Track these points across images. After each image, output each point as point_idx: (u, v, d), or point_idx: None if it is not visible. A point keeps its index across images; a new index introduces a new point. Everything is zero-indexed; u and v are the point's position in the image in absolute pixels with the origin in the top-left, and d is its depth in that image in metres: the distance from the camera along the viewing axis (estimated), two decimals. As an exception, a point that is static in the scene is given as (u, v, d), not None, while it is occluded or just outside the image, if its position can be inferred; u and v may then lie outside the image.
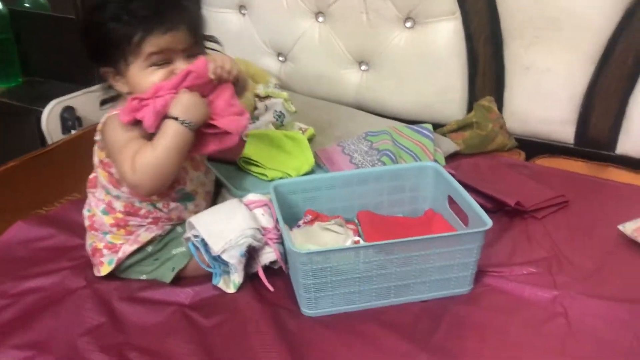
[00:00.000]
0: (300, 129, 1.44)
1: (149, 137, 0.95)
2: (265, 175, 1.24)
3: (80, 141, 1.66)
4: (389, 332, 0.96)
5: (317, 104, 1.63)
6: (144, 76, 0.95)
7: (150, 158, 0.92)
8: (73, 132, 1.72)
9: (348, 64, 1.74)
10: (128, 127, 0.95)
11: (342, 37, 1.72)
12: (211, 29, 1.84)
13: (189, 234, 0.99)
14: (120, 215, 1.02)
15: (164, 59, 0.95)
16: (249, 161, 1.28)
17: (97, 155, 1.02)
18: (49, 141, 1.71)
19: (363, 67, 1.74)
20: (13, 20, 1.88)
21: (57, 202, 1.32)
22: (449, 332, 0.97)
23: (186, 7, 0.98)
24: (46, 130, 1.70)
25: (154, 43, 0.94)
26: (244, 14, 1.84)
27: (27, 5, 1.94)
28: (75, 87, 1.83)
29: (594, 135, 1.56)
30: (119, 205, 1.02)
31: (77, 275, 1.08)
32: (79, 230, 1.19)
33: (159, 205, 1.03)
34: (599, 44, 1.45)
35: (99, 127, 0.99)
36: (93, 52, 0.99)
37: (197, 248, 0.99)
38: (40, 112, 1.73)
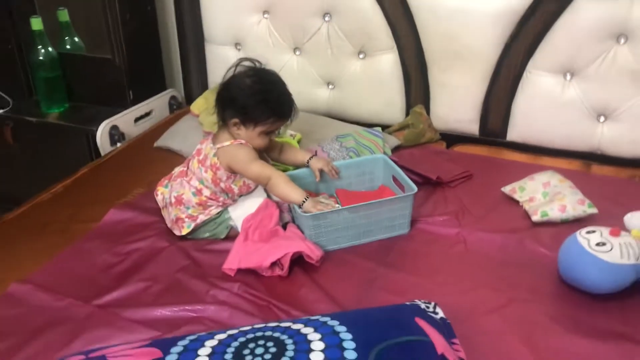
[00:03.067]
0: (291, 134, 1.92)
1: (261, 156, 1.54)
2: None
3: (129, 150, 2.09)
4: (360, 258, 1.46)
5: (301, 116, 1.89)
6: (257, 137, 1.51)
7: (276, 190, 1.50)
8: (119, 144, 2.14)
9: (319, 85, 2.18)
10: (251, 152, 1.51)
11: (314, 66, 2.15)
12: (213, 62, 2.35)
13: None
14: (204, 199, 1.54)
15: (272, 132, 1.52)
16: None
17: (210, 160, 1.50)
18: (102, 153, 2.11)
19: (330, 87, 2.18)
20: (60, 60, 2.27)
21: (129, 195, 1.77)
22: (396, 256, 1.47)
23: None
24: (100, 144, 2.12)
25: (276, 126, 1.52)
26: (239, 49, 2.27)
27: (68, 47, 2.33)
28: (110, 109, 2.23)
29: (491, 128, 2.03)
30: (207, 192, 1.54)
31: (161, 239, 1.55)
32: (152, 212, 1.66)
33: (230, 195, 1.56)
34: (489, 67, 1.93)
35: (219, 146, 1.50)
36: (236, 111, 1.48)
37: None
38: (90, 131, 2.14)
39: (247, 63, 1.55)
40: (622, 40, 1.79)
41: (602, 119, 1.90)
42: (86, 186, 1.87)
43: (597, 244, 1.31)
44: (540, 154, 1.98)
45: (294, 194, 1.50)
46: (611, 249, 1.30)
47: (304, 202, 1.48)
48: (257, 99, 1.48)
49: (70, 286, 1.40)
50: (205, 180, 1.54)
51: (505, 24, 1.88)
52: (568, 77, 1.89)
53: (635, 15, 1.73)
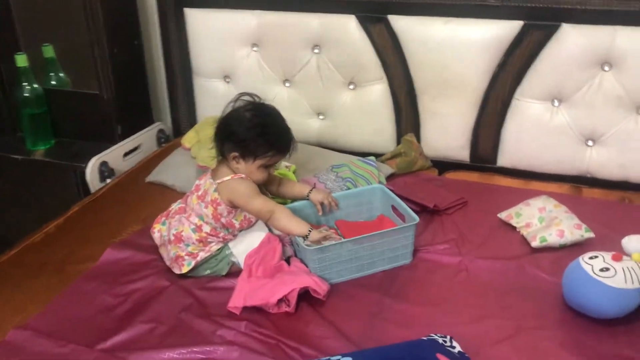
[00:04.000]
0: (286, 166, 1.91)
1: (260, 189, 1.52)
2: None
3: (120, 186, 2.05)
4: (365, 290, 1.46)
5: (293, 147, 2.10)
6: (257, 171, 1.51)
7: (278, 224, 1.50)
8: (108, 180, 2.11)
9: (310, 115, 2.20)
10: (252, 186, 1.50)
11: (305, 97, 2.17)
12: (201, 95, 2.35)
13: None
14: (204, 235, 1.53)
15: (271, 165, 1.53)
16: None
17: (210, 195, 1.50)
18: (92, 189, 2.08)
19: (321, 117, 2.21)
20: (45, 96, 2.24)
21: (124, 233, 1.75)
22: (400, 286, 1.49)
23: None
24: (90, 180, 2.09)
25: (275, 159, 1.53)
26: (228, 82, 2.27)
27: (53, 83, 2.31)
28: (97, 144, 2.21)
29: (482, 155, 2.07)
30: (207, 228, 1.53)
31: (161, 278, 1.53)
32: (150, 250, 1.64)
33: (231, 230, 1.55)
34: (478, 96, 1.96)
35: (219, 181, 1.50)
36: (235, 144, 1.48)
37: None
38: (79, 167, 2.11)
39: (246, 98, 1.56)
40: (607, 68, 1.84)
41: (590, 143, 1.95)
42: (79, 225, 1.83)
43: (601, 270, 1.33)
44: (531, 178, 2.01)
45: (298, 226, 1.50)
46: (615, 274, 1.32)
47: (309, 233, 1.48)
48: (256, 132, 1.49)
49: (71, 330, 1.37)
50: (205, 216, 1.53)
51: (492, 54, 1.92)
52: (556, 103, 1.93)
53: (618, 44, 1.79)
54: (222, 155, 1.55)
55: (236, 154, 1.51)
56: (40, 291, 1.51)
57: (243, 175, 1.53)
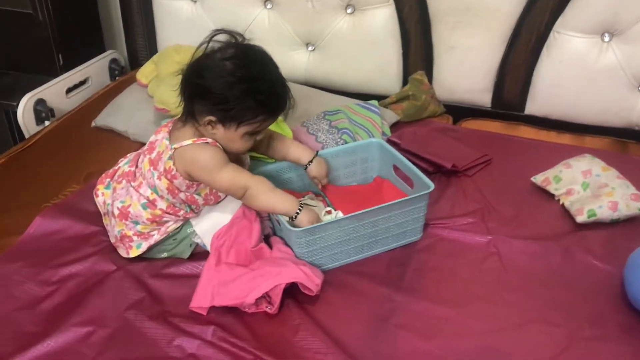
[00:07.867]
0: None
1: (232, 159, 1.16)
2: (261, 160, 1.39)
3: (60, 131, 1.73)
4: (368, 281, 1.19)
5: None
6: (239, 140, 1.13)
7: (256, 203, 1.17)
8: (47, 123, 1.79)
9: (296, 46, 1.91)
10: (218, 154, 1.13)
11: (290, 22, 1.88)
12: (162, 18, 1.98)
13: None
14: (158, 212, 1.18)
15: (259, 132, 1.15)
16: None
17: (164, 164, 1.15)
18: (26, 134, 1.78)
19: (310, 48, 1.91)
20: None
21: (61, 194, 1.44)
22: (414, 276, 1.22)
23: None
24: (22, 123, 1.76)
25: (265, 125, 1.14)
26: (195, 2, 1.93)
27: None
28: (34, 78, 1.90)
29: (507, 100, 1.83)
30: (162, 204, 1.18)
31: (105, 259, 1.24)
32: (93, 219, 1.34)
33: (194, 207, 1.21)
34: (508, 26, 1.71)
35: (177, 145, 1.13)
36: (212, 106, 1.11)
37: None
38: (11, 106, 1.80)
39: (223, 37, 1.14)
40: (679, -8, 1.52)
41: (644, 88, 1.68)
42: (4, 183, 1.52)
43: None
44: (563, 130, 1.77)
45: (282, 203, 1.16)
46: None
47: (297, 213, 1.15)
48: (241, 89, 1.09)
49: (-21, 338, 1.08)
50: (160, 190, 1.18)
51: (530, -30, 1.62)
52: (607, 38, 1.65)
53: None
54: (192, 117, 1.15)
55: (212, 118, 1.12)
56: (-57, 277, 1.21)
57: (209, 140, 1.14)
